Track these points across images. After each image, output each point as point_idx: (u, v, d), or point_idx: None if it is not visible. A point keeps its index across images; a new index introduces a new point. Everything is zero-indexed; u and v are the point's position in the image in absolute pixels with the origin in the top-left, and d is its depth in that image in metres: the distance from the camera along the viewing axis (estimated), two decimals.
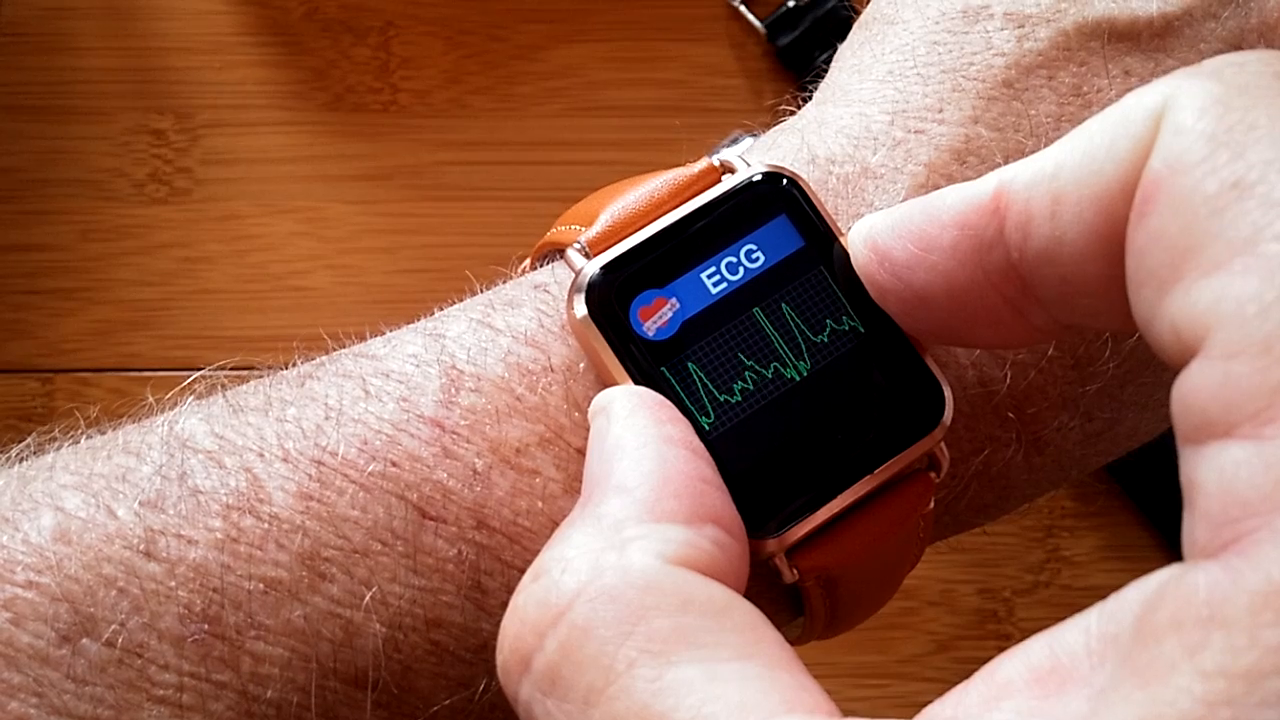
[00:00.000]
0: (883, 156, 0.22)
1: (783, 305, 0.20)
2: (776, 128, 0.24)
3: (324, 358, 0.22)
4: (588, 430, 0.19)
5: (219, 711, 0.19)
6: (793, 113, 0.25)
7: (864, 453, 0.20)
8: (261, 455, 0.20)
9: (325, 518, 0.19)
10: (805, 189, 0.21)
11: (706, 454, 0.18)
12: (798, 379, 0.20)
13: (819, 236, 0.21)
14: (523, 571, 0.18)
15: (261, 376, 0.22)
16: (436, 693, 0.20)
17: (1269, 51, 0.16)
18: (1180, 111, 0.15)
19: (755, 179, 0.21)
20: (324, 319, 0.42)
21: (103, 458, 0.20)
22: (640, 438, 0.18)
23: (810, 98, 0.25)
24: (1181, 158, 0.15)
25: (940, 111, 0.22)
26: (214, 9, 0.44)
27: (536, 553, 0.18)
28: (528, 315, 0.21)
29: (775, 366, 0.20)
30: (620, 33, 0.44)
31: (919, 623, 0.41)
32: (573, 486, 0.20)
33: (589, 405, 0.20)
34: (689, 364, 0.20)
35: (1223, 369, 0.13)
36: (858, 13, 0.26)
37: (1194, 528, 0.13)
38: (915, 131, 0.22)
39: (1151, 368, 0.23)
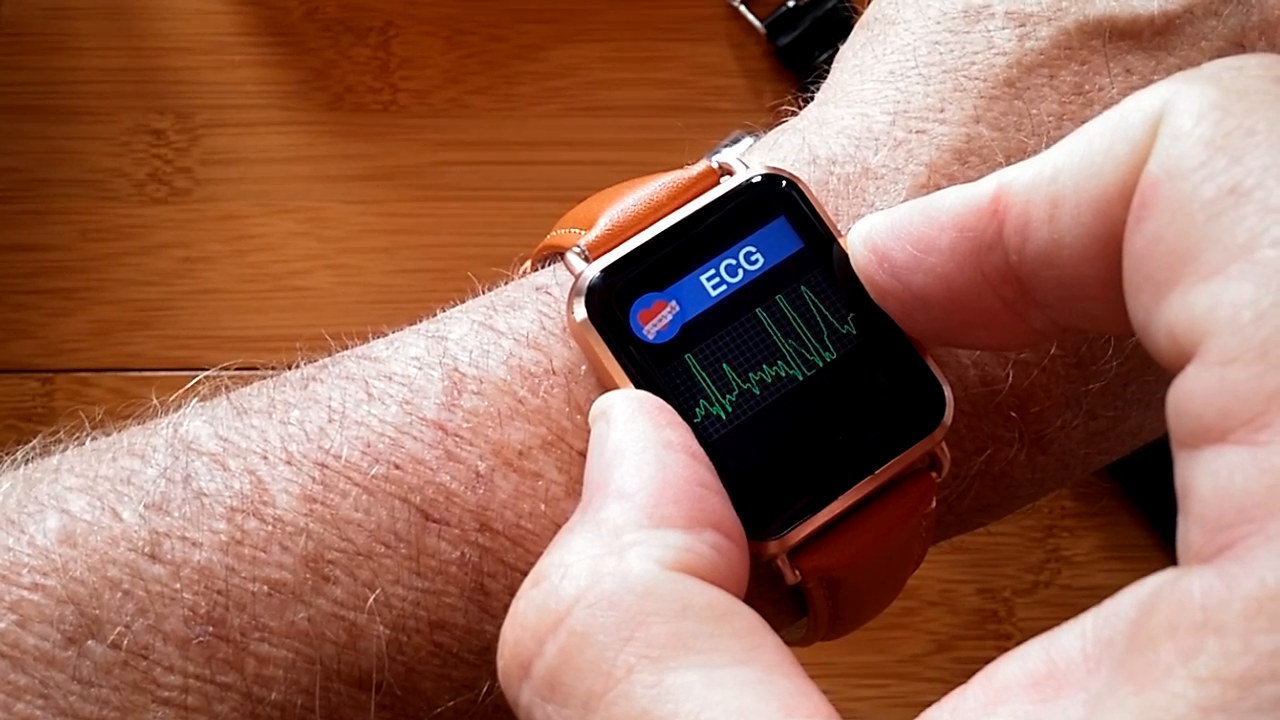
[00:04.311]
0: (884, 157, 0.22)
1: (782, 307, 0.20)
2: (778, 128, 0.24)
3: (327, 359, 0.22)
4: (589, 433, 0.19)
5: (224, 713, 0.19)
6: (794, 113, 0.25)
7: (865, 453, 0.20)
8: (265, 458, 0.20)
9: (329, 520, 0.20)
10: (804, 190, 0.21)
11: (706, 458, 0.19)
12: (798, 380, 0.20)
13: (818, 238, 0.21)
14: (526, 574, 0.18)
15: (264, 378, 0.22)
16: (440, 694, 0.20)
17: (1268, 55, 0.16)
18: (1178, 116, 0.15)
19: (754, 181, 0.21)
20: (324, 319, 0.42)
21: (107, 460, 0.20)
22: (640, 442, 0.18)
23: (811, 98, 0.25)
24: (1179, 162, 0.15)
25: (942, 111, 0.22)
26: (214, 9, 0.44)
27: (539, 555, 0.18)
28: (529, 317, 0.21)
29: (776, 368, 0.20)
30: (620, 33, 0.44)
31: (919, 623, 0.41)
32: (575, 489, 0.20)
33: (590, 408, 0.20)
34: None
35: (1218, 374, 0.13)
36: (858, 13, 0.26)
37: (1188, 532, 0.13)
38: (917, 131, 0.22)
39: (1154, 366, 0.23)
